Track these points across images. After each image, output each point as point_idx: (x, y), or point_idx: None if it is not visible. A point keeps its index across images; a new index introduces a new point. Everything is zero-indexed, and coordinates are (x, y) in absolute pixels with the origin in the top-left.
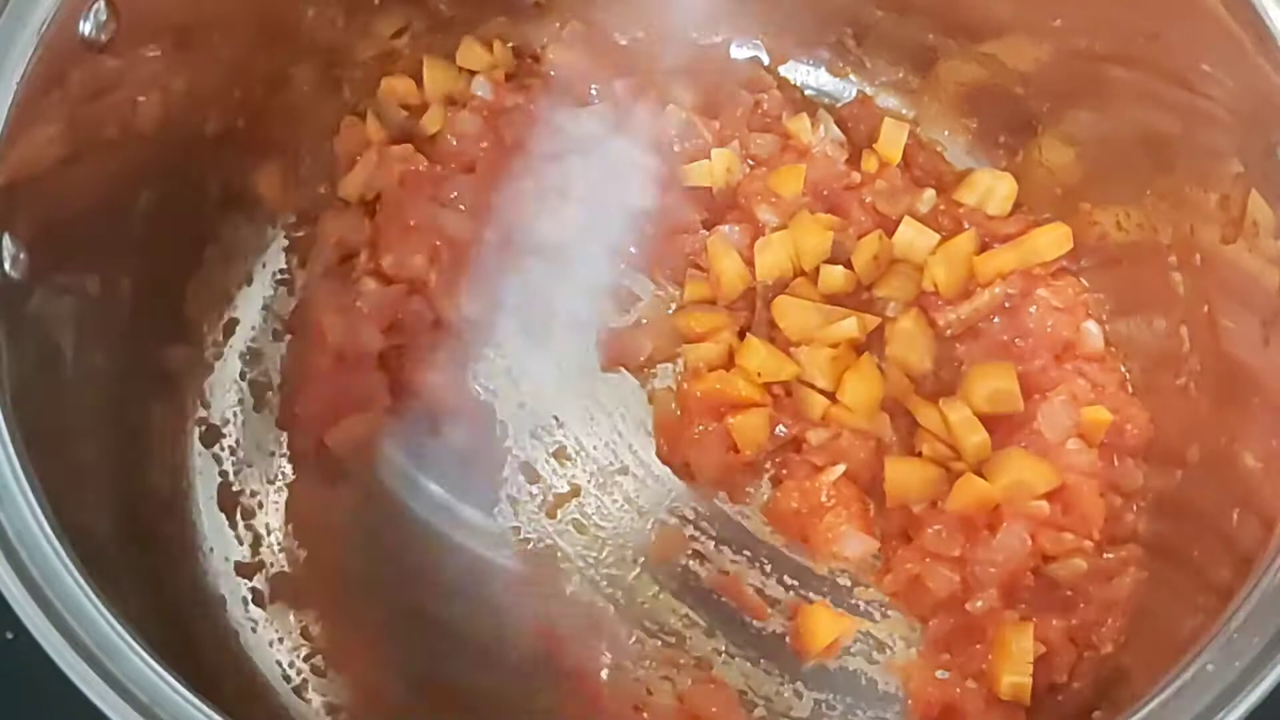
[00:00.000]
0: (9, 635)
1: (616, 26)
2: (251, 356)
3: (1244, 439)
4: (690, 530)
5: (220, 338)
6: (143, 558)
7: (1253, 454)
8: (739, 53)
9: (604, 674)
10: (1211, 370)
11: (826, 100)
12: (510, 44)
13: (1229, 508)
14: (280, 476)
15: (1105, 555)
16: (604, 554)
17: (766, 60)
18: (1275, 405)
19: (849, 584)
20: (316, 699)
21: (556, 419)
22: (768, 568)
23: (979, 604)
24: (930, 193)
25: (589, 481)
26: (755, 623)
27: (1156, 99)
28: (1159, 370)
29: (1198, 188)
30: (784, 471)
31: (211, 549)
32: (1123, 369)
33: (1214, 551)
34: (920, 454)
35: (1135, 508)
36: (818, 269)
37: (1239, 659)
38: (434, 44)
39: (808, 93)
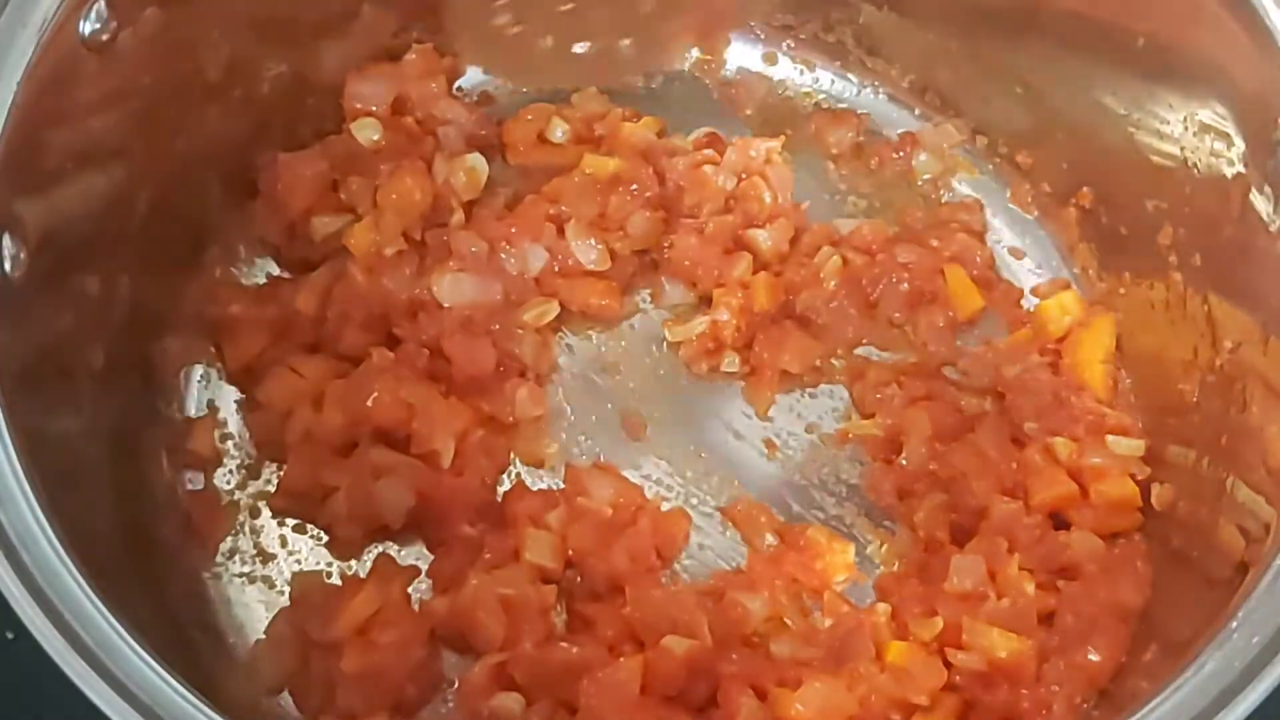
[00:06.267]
0: (9, 635)
1: None
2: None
3: (1243, 440)
4: None
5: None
6: (142, 558)
7: (1252, 455)
8: None
9: None
10: (1211, 372)
11: None
12: None
13: (1229, 509)
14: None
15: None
16: None
17: None
18: (1275, 407)
19: None
20: None
21: None
22: None
23: None
24: None
25: None
26: None
27: (1154, 101)
28: (1158, 372)
29: (1197, 187)
30: None
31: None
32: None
33: (1213, 552)
34: None
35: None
36: None
37: (1239, 659)
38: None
39: None
